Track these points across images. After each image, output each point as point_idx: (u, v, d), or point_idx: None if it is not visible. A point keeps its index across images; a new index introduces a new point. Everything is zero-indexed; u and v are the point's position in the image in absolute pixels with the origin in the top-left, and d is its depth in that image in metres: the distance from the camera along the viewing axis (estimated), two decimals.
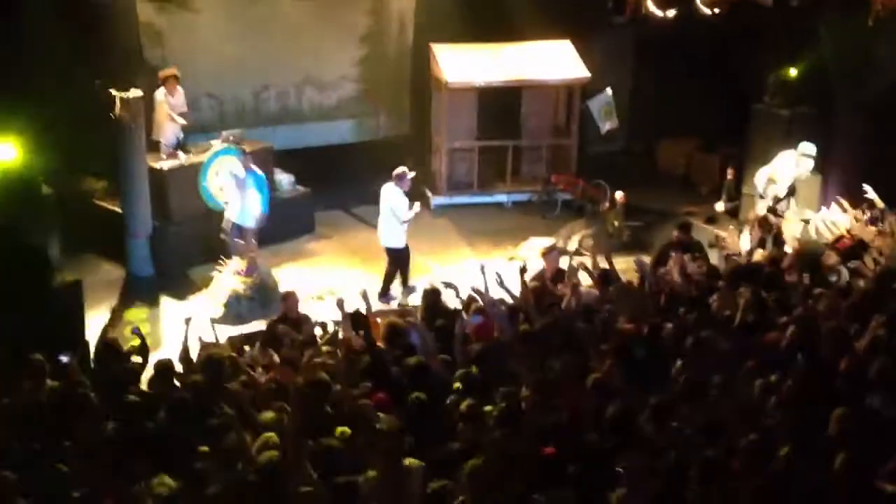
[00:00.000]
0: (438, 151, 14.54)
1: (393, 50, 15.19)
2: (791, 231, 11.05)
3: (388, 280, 11.13)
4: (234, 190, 11.03)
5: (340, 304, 7.88)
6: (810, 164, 11.74)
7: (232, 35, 13.45)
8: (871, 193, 10.58)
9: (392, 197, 10.92)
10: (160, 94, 11.97)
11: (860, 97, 11.58)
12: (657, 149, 15.88)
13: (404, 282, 11.19)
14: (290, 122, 14.52)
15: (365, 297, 8.29)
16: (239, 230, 11.01)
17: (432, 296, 8.51)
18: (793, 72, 12.73)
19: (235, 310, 10.69)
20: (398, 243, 11.09)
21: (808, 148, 11.74)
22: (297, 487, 5.23)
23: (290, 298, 8.81)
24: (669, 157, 15.74)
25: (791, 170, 11.78)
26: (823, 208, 11.71)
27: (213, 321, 9.06)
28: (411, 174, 11.10)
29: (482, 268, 8.52)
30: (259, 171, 10.99)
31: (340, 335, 7.90)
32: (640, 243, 12.68)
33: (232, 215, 11.00)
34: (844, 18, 8.52)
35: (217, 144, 12.06)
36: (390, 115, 15.53)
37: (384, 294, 11.03)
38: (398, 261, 11.14)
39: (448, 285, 8.47)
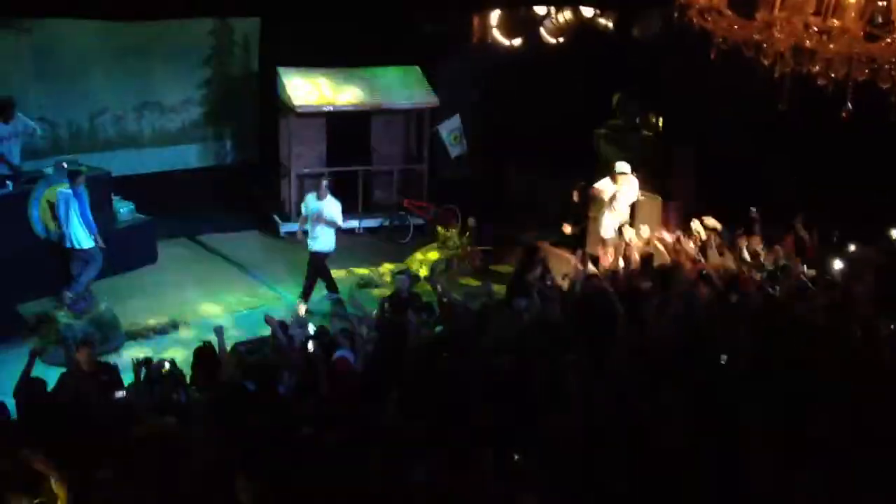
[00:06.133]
0: (287, 177, 14.26)
1: (238, 72, 14.84)
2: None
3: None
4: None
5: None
6: (627, 178, 11.97)
7: (66, 57, 12.81)
8: (696, 224, 10.85)
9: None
10: None
11: (694, 128, 12.01)
12: (505, 174, 16.06)
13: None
14: (130, 147, 13.94)
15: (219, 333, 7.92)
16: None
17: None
18: (635, 99, 13.12)
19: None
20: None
21: (622, 167, 11.93)
22: None
23: (82, 351, 7.75)
24: (517, 182, 15.93)
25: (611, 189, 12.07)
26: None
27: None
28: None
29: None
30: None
31: None
32: (489, 268, 12.79)
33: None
34: (682, 52, 8.79)
35: (50, 172, 11.41)
36: (237, 140, 15.16)
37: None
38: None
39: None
